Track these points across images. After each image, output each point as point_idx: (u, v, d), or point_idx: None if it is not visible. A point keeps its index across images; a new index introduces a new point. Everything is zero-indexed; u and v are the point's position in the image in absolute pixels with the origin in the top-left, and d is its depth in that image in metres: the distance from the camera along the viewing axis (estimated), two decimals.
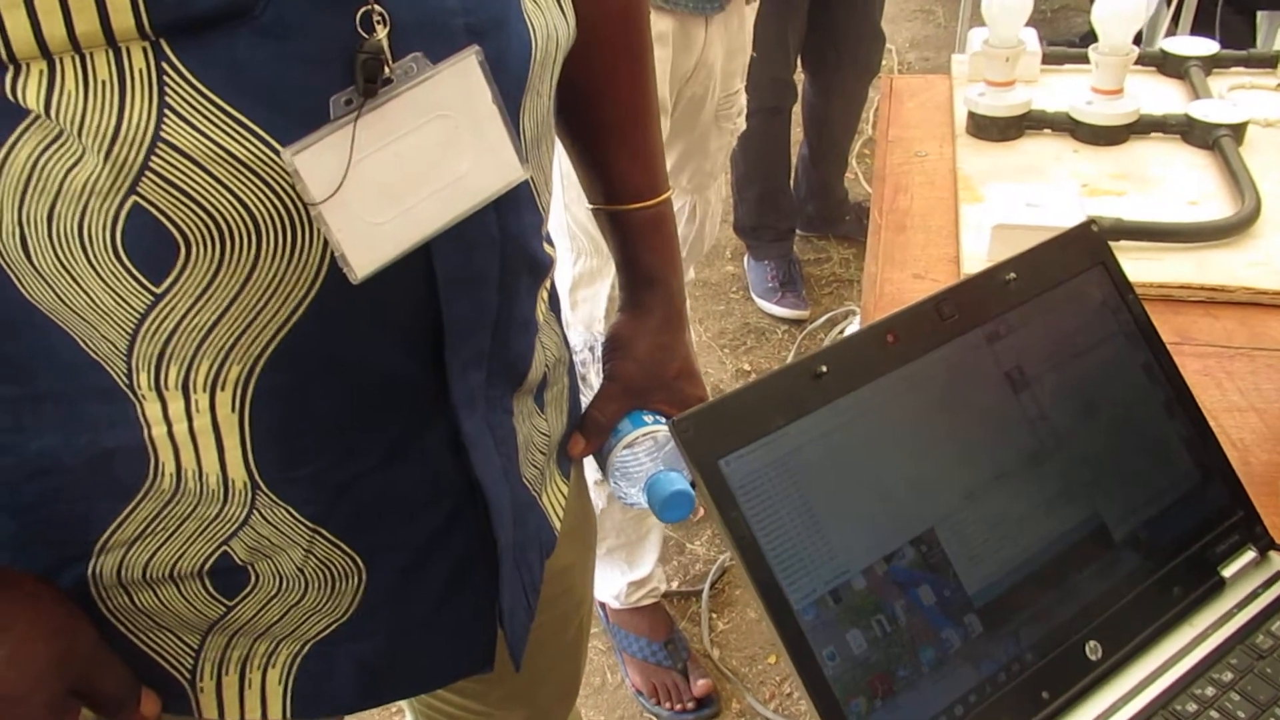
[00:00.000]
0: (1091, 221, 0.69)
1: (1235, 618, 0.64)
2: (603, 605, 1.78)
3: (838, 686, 0.54)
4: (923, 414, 0.60)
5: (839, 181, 2.72)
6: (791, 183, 2.60)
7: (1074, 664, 0.60)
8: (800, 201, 2.67)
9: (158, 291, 0.49)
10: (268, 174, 0.47)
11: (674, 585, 1.89)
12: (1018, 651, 0.59)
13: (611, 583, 1.70)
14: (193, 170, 0.46)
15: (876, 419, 0.59)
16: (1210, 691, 0.60)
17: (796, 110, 2.49)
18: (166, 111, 0.45)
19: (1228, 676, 0.60)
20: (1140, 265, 0.98)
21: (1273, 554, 0.68)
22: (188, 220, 0.47)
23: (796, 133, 2.59)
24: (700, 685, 1.68)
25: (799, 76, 2.44)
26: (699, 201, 1.63)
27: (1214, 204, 1.07)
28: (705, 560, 1.95)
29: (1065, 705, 0.59)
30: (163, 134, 0.45)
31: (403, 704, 0.94)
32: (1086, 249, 0.68)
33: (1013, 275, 0.65)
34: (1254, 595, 0.65)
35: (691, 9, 1.34)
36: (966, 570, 0.59)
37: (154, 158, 0.45)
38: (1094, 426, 0.65)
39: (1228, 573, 0.65)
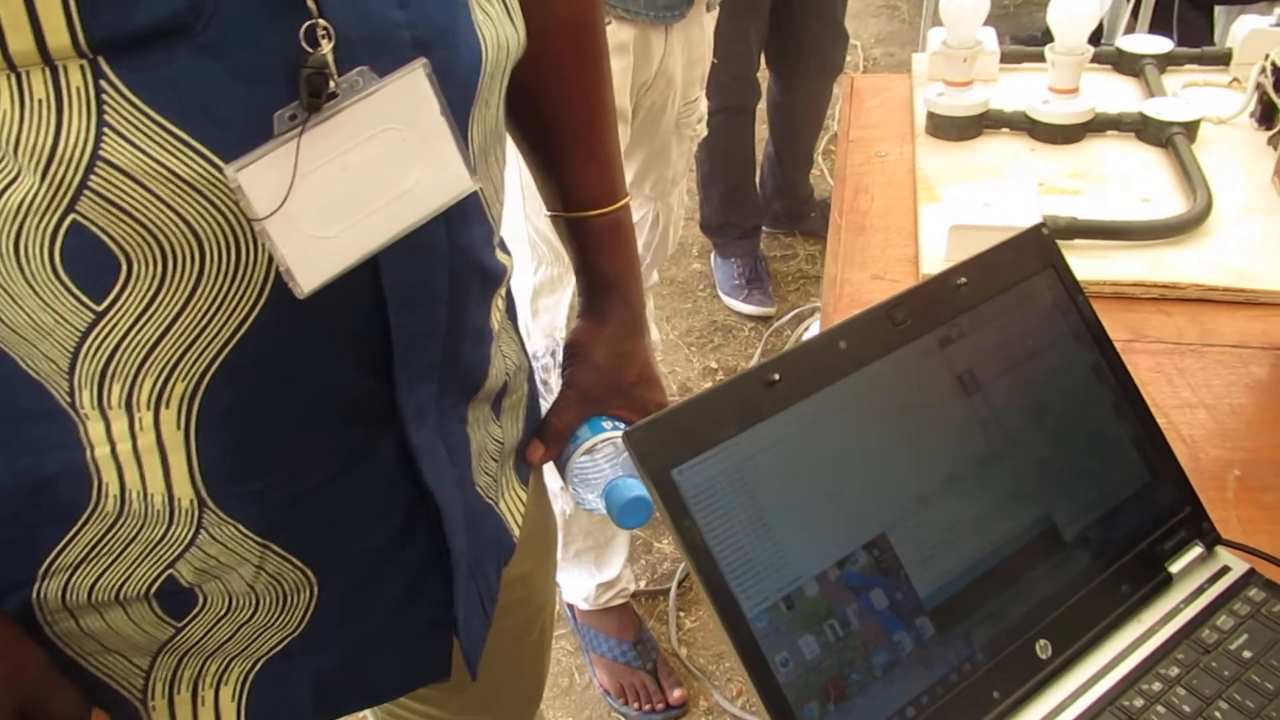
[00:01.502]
0: (1042, 225, 0.70)
1: (1182, 613, 0.65)
2: (571, 606, 1.79)
3: (791, 692, 0.54)
4: (875, 419, 0.61)
5: (804, 179, 2.73)
6: (757, 180, 2.61)
7: (1024, 663, 0.61)
8: (766, 199, 2.68)
9: (99, 309, 0.49)
10: (210, 191, 0.47)
11: (642, 584, 1.89)
12: (969, 652, 0.59)
13: (580, 584, 1.71)
14: (133, 188, 0.46)
15: (829, 425, 0.59)
16: (1157, 686, 0.61)
17: (762, 108, 2.50)
18: (105, 129, 0.44)
19: (1174, 671, 0.61)
20: (1095, 263, 0.99)
21: (1219, 549, 0.69)
22: (129, 238, 0.47)
23: (762, 130, 2.60)
24: (677, 695, 1.69)
25: (764, 75, 2.45)
26: (661, 208, 1.63)
27: (1167, 201, 1.09)
28: (673, 559, 1.95)
29: (1016, 704, 0.59)
30: (102, 152, 0.45)
31: (365, 713, 0.94)
32: (1037, 252, 0.69)
33: (964, 280, 0.66)
34: (1200, 590, 0.66)
35: (652, 18, 1.34)
36: (918, 573, 0.59)
37: (93, 176, 0.45)
38: (1044, 428, 0.66)
39: (1175, 569, 0.66)
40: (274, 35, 0.46)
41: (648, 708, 1.68)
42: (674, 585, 1.89)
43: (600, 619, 1.75)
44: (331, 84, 0.48)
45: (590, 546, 1.66)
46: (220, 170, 0.46)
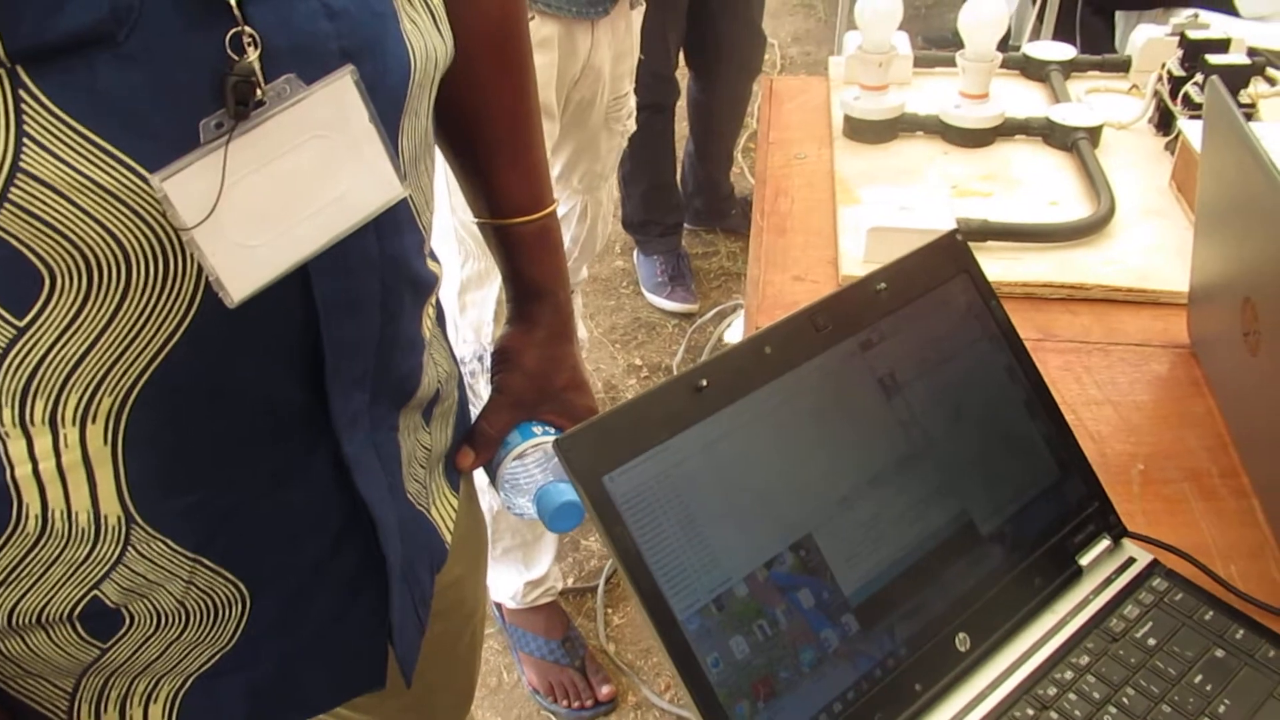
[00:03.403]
0: (956, 231, 0.72)
1: (1091, 603, 0.68)
2: (499, 605, 1.78)
3: (722, 692, 0.56)
4: (800, 422, 0.62)
5: (725, 176, 2.76)
6: (678, 178, 2.63)
7: (944, 656, 0.63)
8: (687, 196, 2.71)
9: (20, 325, 0.48)
10: (136, 202, 0.46)
11: (569, 582, 1.90)
12: (892, 647, 0.61)
13: (508, 583, 1.70)
14: (56, 201, 0.45)
15: (756, 429, 0.61)
16: (1069, 675, 0.64)
17: (681, 106, 2.52)
18: (25, 141, 0.43)
19: (1084, 660, 0.64)
20: (1005, 265, 1.03)
21: (1125, 541, 0.72)
22: (52, 252, 0.46)
23: (682, 128, 2.62)
24: (606, 691, 1.70)
25: (683, 73, 2.47)
26: (590, 202, 1.64)
27: (1073, 204, 1.13)
28: (600, 556, 1.96)
29: (936, 696, 0.62)
30: (22, 164, 0.43)
31: None
32: (952, 257, 0.72)
33: (883, 285, 0.68)
34: (1108, 581, 0.69)
35: (575, 14, 1.35)
36: (843, 572, 0.61)
37: (13, 188, 0.44)
38: (961, 428, 0.68)
39: (1085, 561, 0.69)
40: (199, 44, 0.46)
41: (576, 705, 1.69)
42: (601, 582, 1.90)
43: (528, 618, 1.75)
44: (259, 92, 0.48)
45: (518, 545, 1.66)
46: (146, 180, 0.46)
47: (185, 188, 0.46)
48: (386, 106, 0.54)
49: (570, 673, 1.71)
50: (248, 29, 0.47)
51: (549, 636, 1.73)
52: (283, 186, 0.50)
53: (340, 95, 0.50)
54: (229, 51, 0.47)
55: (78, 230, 0.45)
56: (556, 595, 1.77)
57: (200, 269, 0.49)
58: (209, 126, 0.47)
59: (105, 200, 0.45)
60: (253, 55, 0.47)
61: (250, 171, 0.48)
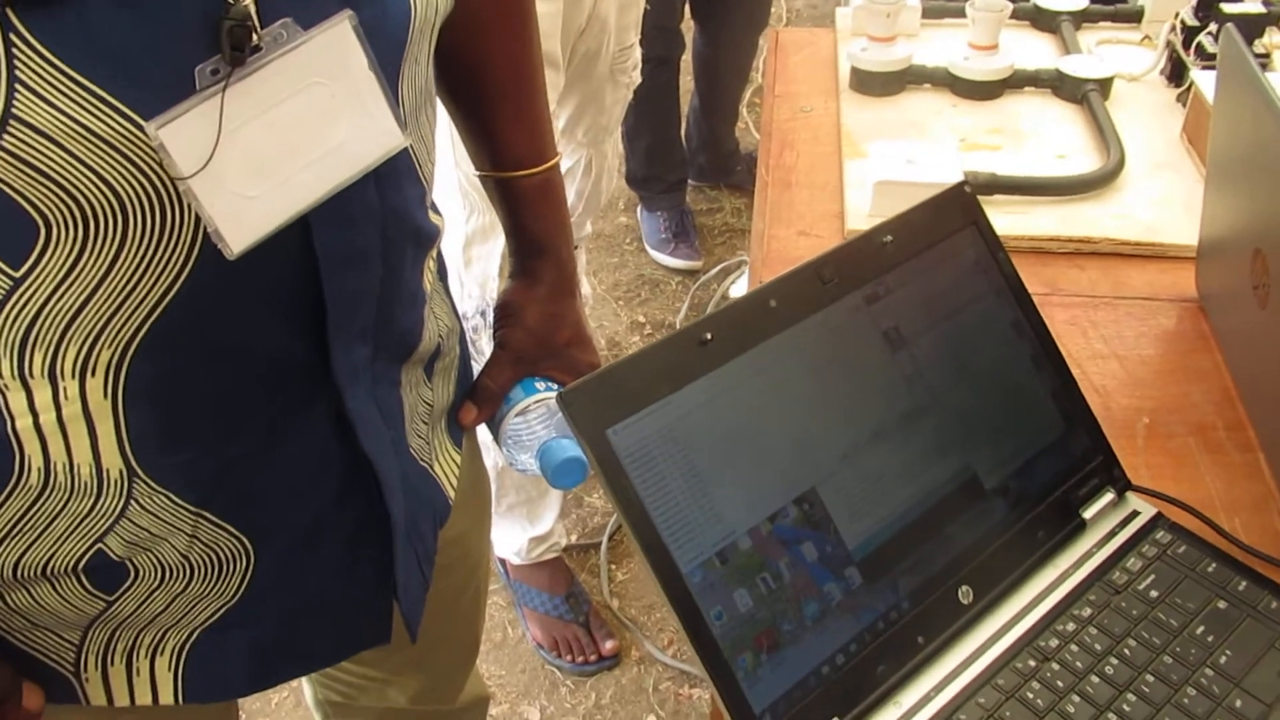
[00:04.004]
0: (965, 183, 0.71)
1: (1094, 556, 0.68)
2: (503, 561, 1.79)
3: (725, 644, 0.56)
4: (805, 376, 0.62)
5: (730, 132, 2.73)
6: (683, 133, 2.60)
7: (948, 609, 0.63)
8: (692, 152, 2.68)
9: (17, 276, 0.47)
10: (131, 150, 0.45)
11: (573, 539, 1.91)
12: (895, 600, 0.62)
13: (512, 539, 1.71)
14: (50, 149, 0.44)
15: (760, 383, 0.60)
16: (1071, 627, 0.64)
17: (686, 60, 2.49)
18: (18, 87, 0.42)
19: (1086, 612, 0.65)
20: (1012, 218, 1.02)
21: (1129, 494, 0.72)
22: (47, 201, 0.45)
23: (687, 82, 2.59)
24: (610, 646, 1.71)
25: (688, 26, 2.43)
26: (595, 155, 1.62)
27: (1082, 157, 1.12)
28: (604, 513, 1.97)
29: (939, 648, 0.62)
30: (14, 110, 0.43)
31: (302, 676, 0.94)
32: (960, 209, 0.71)
33: (889, 237, 0.67)
34: (1112, 534, 0.69)
35: None
36: (847, 525, 0.61)
37: (6, 136, 0.43)
38: (966, 382, 0.68)
39: (1088, 514, 0.69)
40: None
41: (580, 659, 1.71)
42: (605, 539, 1.91)
43: (532, 574, 1.76)
44: (255, 37, 0.47)
45: (522, 501, 1.66)
46: (141, 128, 0.45)
47: (182, 136, 0.45)
48: (386, 53, 0.53)
49: (574, 628, 1.72)
50: None
51: (553, 592, 1.75)
52: (281, 135, 0.49)
53: (339, 41, 0.49)
54: None
55: (73, 179, 0.45)
56: (560, 551, 1.77)
57: (199, 219, 0.48)
58: (205, 73, 0.46)
59: (100, 148, 0.45)
60: None
61: (248, 119, 0.48)
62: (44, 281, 0.48)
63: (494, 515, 1.66)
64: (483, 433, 0.83)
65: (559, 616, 1.73)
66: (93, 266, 0.48)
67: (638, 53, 1.56)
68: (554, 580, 1.75)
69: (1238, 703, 0.59)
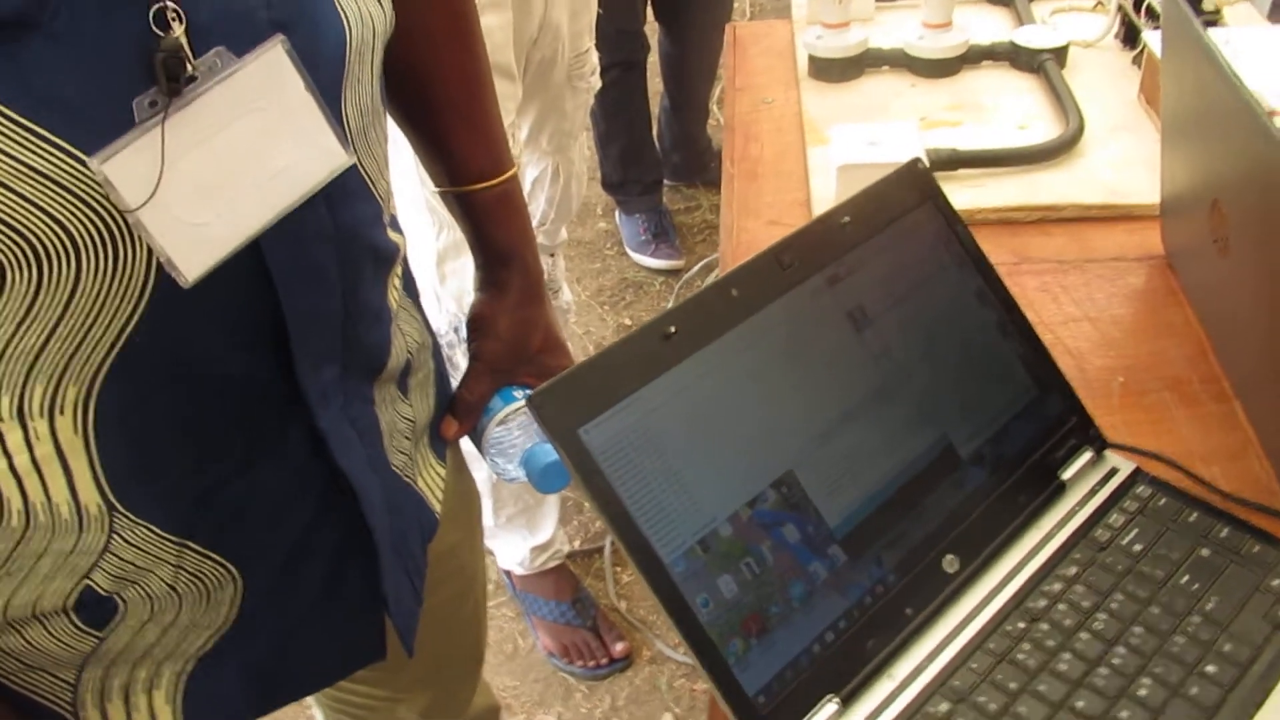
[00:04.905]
0: (918, 159, 0.72)
1: (1076, 515, 0.69)
2: (508, 573, 1.80)
3: (714, 631, 0.56)
4: (773, 361, 0.63)
5: (702, 130, 2.74)
6: (655, 134, 2.61)
7: (933, 579, 0.64)
8: (665, 152, 2.69)
9: None
10: (77, 187, 0.46)
11: (576, 545, 1.91)
12: (881, 574, 0.62)
13: (515, 550, 1.72)
14: None
15: (729, 371, 0.61)
16: (1058, 586, 0.64)
17: (653, 61, 2.49)
18: None
19: (1072, 571, 0.65)
20: (977, 191, 1.02)
21: (1107, 453, 0.73)
22: None
23: (655, 84, 2.60)
24: (620, 648, 1.72)
25: (652, 28, 2.44)
26: (561, 162, 1.63)
27: (1042, 126, 1.13)
28: None
29: (928, 618, 0.62)
30: None
31: (309, 699, 0.94)
32: (916, 185, 0.72)
33: (848, 218, 0.68)
34: (1092, 493, 0.70)
35: None
36: (826, 505, 0.62)
37: None
38: (935, 354, 0.68)
39: (1067, 475, 0.70)
40: (123, 22, 0.46)
41: (592, 664, 1.71)
42: (607, 542, 1.91)
43: (537, 582, 1.76)
44: (189, 67, 0.47)
45: (521, 511, 1.67)
46: (85, 164, 0.45)
47: (125, 169, 0.46)
48: (326, 76, 0.54)
49: (583, 633, 1.73)
50: (170, 4, 0.46)
51: (559, 599, 1.75)
52: (224, 162, 0.49)
53: (273, 66, 0.50)
54: (154, 28, 0.46)
55: (22, 219, 0.45)
56: (563, 558, 1.78)
57: (150, 251, 0.49)
58: (143, 105, 0.47)
59: (47, 187, 0.45)
60: (178, 30, 0.47)
61: (189, 148, 0.48)
62: (3, 324, 0.48)
63: (494, 528, 1.67)
64: (467, 445, 0.84)
65: (567, 623, 1.74)
66: (50, 305, 0.48)
67: (594, 58, 1.57)
68: (559, 587, 1.76)
69: (1226, 647, 0.60)
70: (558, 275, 1.73)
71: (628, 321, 2.42)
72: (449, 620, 0.89)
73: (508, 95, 1.31)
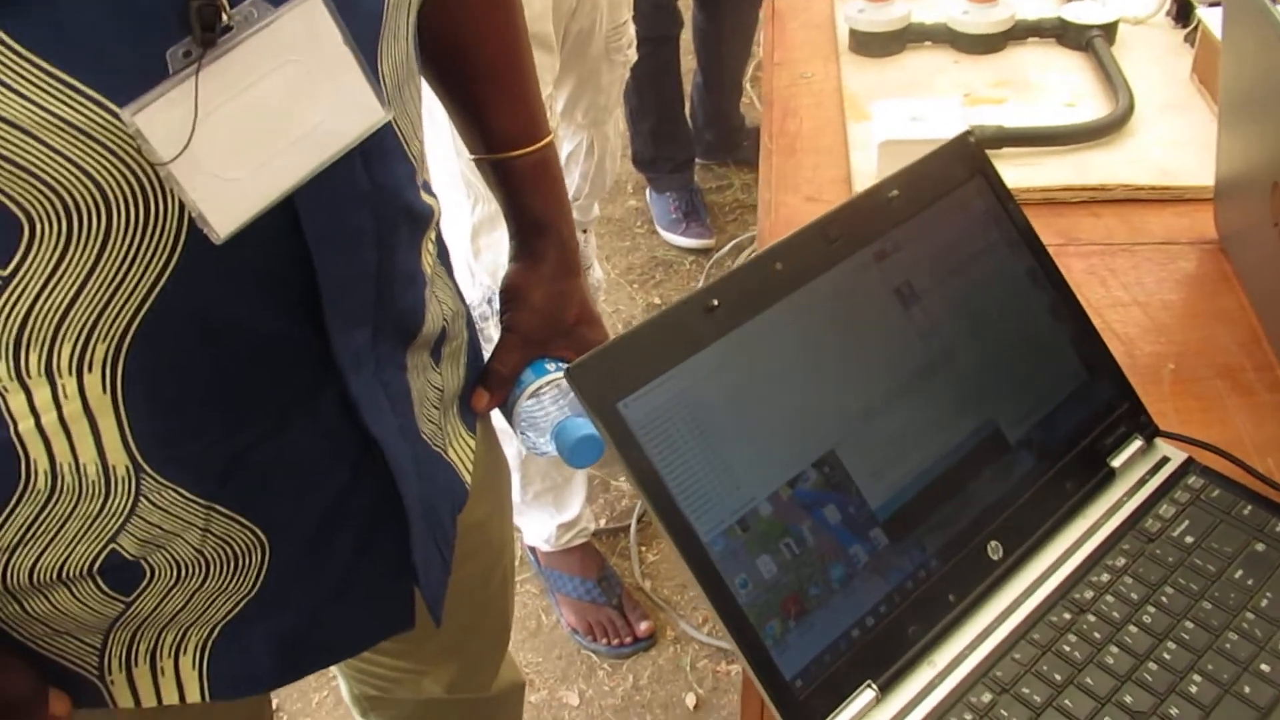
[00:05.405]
0: (969, 133, 0.70)
1: (1125, 505, 0.66)
2: (533, 550, 1.79)
3: (752, 612, 0.55)
4: (816, 338, 0.61)
5: (735, 107, 2.71)
6: (687, 111, 2.58)
7: (977, 565, 0.62)
8: (698, 130, 2.66)
9: (4, 275, 0.47)
10: (109, 139, 0.45)
11: (602, 523, 1.91)
12: (923, 559, 0.60)
13: (541, 526, 1.71)
14: (26, 142, 0.43)
15: (771, 347, 0.59)
16: (1105, 578, 0.62)
17: (687, 37, 2.46)
18: None
19: (1121, 562, 0.63)
20: (1023, 171, 1.00)
21: (1158, 441, 0.70)
22: (28, 197, 0.45)
23: (689, 60, 2.57)
24: (644, 627, 1.71)
25: (686, 3, 2.41)
26: (596, 137, 1.61)
27: (1090, 104, 1.10)
28: (631, 495, 1.96)
29: (971, 605, 0.61)
30: None
31: (334, 668, 0.94)
32: (965, 160, 0.69)
33: (895, 192, 0.66)
34: (1142, 482, 0.68)
35: None
36: (869, 486, 0.60)
37: None
38: (983, 335, 0.66)
39: (1116, 463, 0.68)
40: None
41: (616, 642, 1.70)
42: (633, 521, 1.90)
43: (563, 559, 1.76)
44: (224, 16, 0.46)
45: (548, 488, 1.66)
46: (116, 116, 0.44)
47: (158, 121, 0.45)
48: (362, 28, 0.52)
49: (608, 611, 1.72)
50: None
51: (585, 576, 1.74)
52: (259, 115, 0.48)
53: (310, 17, 0.48)
54: None
55: (53, 172, 0.44)
56: (589, 536, 1.77)
57: (182, 206, 0.48)
58: (177, 56, 0.45)
59: (78, 139, 0.44)
60: None
61: (224, 101, 0.47)
62: (33, 279, 0.47)
63: (521, 503, 1.66)
64: (499, 420, 0.83)
65: (592, 601, 1.73)
66: (80, 260, 0.47)
67: (632, 30, 1.55)
68: (585, 565, 1.75)
69: None
70: (589, 252, 1.72)
71: (657, 300, 2.40)
72: (476, 594, 0.88)
73: (545, 66, 1.29)
